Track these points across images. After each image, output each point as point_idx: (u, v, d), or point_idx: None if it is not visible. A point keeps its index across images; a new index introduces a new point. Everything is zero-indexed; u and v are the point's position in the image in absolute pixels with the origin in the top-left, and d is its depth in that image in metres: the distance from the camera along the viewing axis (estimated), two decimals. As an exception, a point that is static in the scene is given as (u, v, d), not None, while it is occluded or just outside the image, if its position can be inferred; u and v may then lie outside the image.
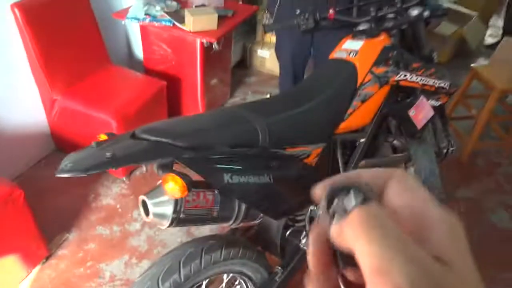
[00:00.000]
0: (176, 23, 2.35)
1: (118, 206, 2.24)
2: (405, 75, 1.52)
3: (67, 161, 0.96)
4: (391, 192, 0.29)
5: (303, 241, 1.46)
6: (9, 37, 2.06)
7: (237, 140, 1.09)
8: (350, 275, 0.28)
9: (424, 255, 0.24)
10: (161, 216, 0.98)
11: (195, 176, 1.00)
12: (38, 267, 1.89)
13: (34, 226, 1.79)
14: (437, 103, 1.71)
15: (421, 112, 1.70)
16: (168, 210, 0.97)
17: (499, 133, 2.82)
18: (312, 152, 1.34)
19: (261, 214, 1.19)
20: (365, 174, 0.31)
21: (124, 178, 2.38)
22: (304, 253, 1.53)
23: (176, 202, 0.98)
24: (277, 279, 1.44)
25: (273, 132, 1.16)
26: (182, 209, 0.98)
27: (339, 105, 1.42)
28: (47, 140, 2.49)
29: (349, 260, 0.26)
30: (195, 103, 2.70)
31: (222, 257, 1.24)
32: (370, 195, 0.27)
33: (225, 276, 1.43)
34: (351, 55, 1.49)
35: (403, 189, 0.29)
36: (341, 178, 0.30)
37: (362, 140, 1.56)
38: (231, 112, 1.21)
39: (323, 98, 1.38)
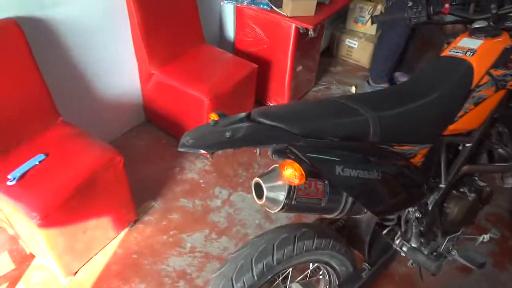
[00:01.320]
0: (274, 7, 2.35)
1: (201, 181, 2.32)
2: None
3: (188, 136, 1.00)
4: None
5: (397, 241, 1.42)
6: (117, 13, 2.17)
7: (348, 132, 1.07)
8: None
9: None
10: (274, 200, 0.99)
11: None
12: (126, 230, 2.02)
13: (128, 191, 1.91)
14: (556, 114, 1.56)
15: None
16: (282, 195, 0.98)
17: None
18: (419, 152, 1.29)
19: (365, 210, 1.16)
20: None
21: (208, 156, 2.45)
22: (393, 253, 1.49)
23: (290, 188, 0.98)
24: (364, 276, 1.42)
25: (384, 127, 1.12)
26: (294, 196, 0.99)
27: (451, 105, 1.35)
28: (139, 111, 2.62)
29: None
30: (281, 88, 2.70)
31: (314, 246, 1.24)
32: None
33: (311, 264, 1.43)
34: (468, 54, 1.39)
35: None
36: None
37: (468, 144, 1.48)
38: (339, 102, 1.18)
39: (435, 97, 1.30)
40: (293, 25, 2.37)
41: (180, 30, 2.41)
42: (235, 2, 2.41)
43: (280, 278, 1.37)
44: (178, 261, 1.91)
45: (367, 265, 1.42)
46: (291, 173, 0.93)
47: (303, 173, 0.92)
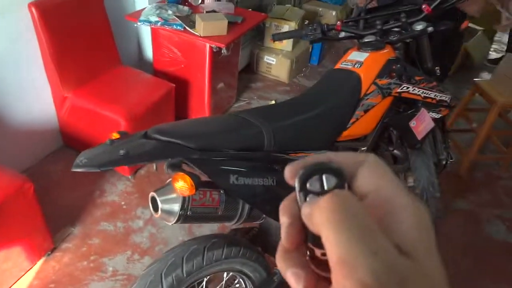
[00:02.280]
0: (187, 28, 2.42)
1: (122, 203, 2.29)
2: (407, 87, 1.57)
3: (82, 157, 1.02)
4: (361, 176, 0.29)
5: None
6: (25, 35, 2.12)
7: (243, 144, 1.15)
8: (318, 253, 0.27)
9: (391, 248, 0.24)
10: (169, 212, 1.04)
11: (202, 177, 1.06)
12: (42, 259, 1.94)
13: (41, 219, 1.84)
14: (437, 116, 1.76)
15: (422, 123, 1.75)
16: (176, 207, 1.02)
17: (499, 147, 2.87)
18: None
19: (264, 215, 1.24)
20: (337, 157, 0.30)
21: (130, 177, 2.43)
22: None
23: (184, 199, 1.03)
24: (276, 280, 1.49)
25: (278, 137, 1.21)
26: (189, 207, 1.03)
27: (342, 114, 1.48)
28: (56, 135, 2.55)
29: (318, 240, 0.25)
30: (201, 105, 2.76)
31: (223, 255, 1.29)
32: (341, 180, 0.27)
33: (225, 274, 1.48)
34: (356, 66, 1.54)
35: (374, 174, 0.28)
36: (313, 160, 0.29)
37: (363, 148, 1.62)
38: (238, 117, 1.26)
39: (327, 107, 1.43)
40: (207, 45, 2.45)
41: (93, 52, 2.39)
42: (149, 24, 2.45)
43: (197, 291, 1.40)
44: (99, 286, 1.87)
45: (278, 269, 1.50)
46: (182, 185, 0.99)
47: (193, 184, 0.98)
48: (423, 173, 1.92)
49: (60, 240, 2.03)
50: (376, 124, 1.60)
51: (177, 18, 2.43)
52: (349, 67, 1.56)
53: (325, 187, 0.27)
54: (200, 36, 2.39)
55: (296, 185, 0.28)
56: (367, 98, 1.51)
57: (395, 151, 1.83)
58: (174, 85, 2.47)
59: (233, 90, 3.13)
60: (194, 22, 2.44)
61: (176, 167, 1.07)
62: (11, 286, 1.80)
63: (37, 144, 2.46)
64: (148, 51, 2.94)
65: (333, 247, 0.23)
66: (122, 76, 2.52)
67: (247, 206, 1.16)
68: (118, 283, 1.89)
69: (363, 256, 0.22)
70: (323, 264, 0.26)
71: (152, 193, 1.05)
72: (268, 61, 3.62)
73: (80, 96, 2.29)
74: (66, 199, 2.26)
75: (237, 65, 3.05)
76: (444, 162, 2.04)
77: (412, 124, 1.72)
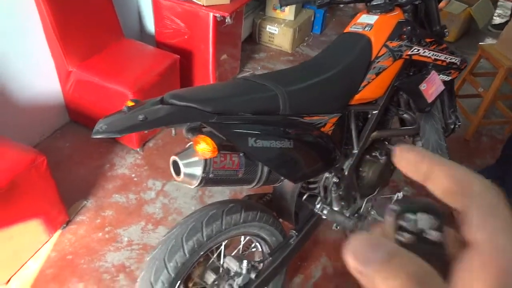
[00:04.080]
0: (190, -3, 2.38)
1: (133, 175, 2.31)
2: (417, 50, 1.56)
3: (101, 123, 1.02)
4: (471, 218, 0.23)
5: (317, 206, 1.54)
6: (26, 9, 2.09)
7: (259, 107, 1.15)
8: None
9: None
10: (191, 175, 1.05)
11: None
12: (58, 232, 1.97)
13: (55, 192, 1.86)
14: (447, 78, 1.76)
15: (432, 86, 1.75)
16: (198, 170, 1.03)
17: (504, 112, 2.87)
18: (328, 122, 1.40)
19: (281, 178, 1.25)
20: (442, 182, 0.25)
21: (139, 149, 2.44)
22: (317, 219, 1.61)
23: (206, 162, 1.04)
24: (292, 242, 1.52)
25: (293, 101, 1.21)
26: (211, 169, 1.04)
27: (354, 77, 1.47)
28: (62, 111, 2.54)
29: None
30: (206, 77, 2.74)
31: (241, 219, 1.32)
32: (439, 220, 0.25)
33: (242, 238, 1.51)
34: (366, 29, 1.53)
35: (488, 216, 0.23)
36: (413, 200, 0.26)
37: (375, 112, 1.62)
38: (252, 81, 1.26)
39: (339, 70, 1.42)
40: (211, 14, 2.42)
41: (95, 25, 2.36)
42: (150, -6, 2.41)
43: (215, 255, 1.43)
44: (116, 256, 1.91)
45: (294, 232, 1.53)
46: (204, 147, 0.99)
47: (216, 146, 0.99)
48: (431, 136, 1.93)
49: (74, 213, 2.06)
50: (387, 88, 1.60)
51: (179, -12, 2.39)
52: (359, 30, 1.54)
53: (419, 226, 0.25)
54: (204, 6, 2.36)
55: (390, 218, 0.26)
56: (378, 61, 1.50)
57: (404, 115, 1.83)
58: (178, 56, 2.45)
59: (236, 61, 3.10)
60: (197, -9, 2.40)
61: (196, 131, 1.08)
62: (29, 258, 1.84)
63: (44, 120, 2.46)
64: (150, 23, 2.90)
65: None
66: (126, 49, 2.49)
67: (266, 169, 1.17)
68: (134, 253, 1.93)
69: None
70: None
71: (173, 157, 1.05)
72: (270, 31, 3.57)
73: (85, 70, 2.27)
74: (77, 173, 2.28)
75: (240, 35, 3.02)
76: (451, 126, 2.04)
77: (423, 87, 1.72)
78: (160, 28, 2.70)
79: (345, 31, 1.61)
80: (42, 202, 1.82)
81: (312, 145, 1.33)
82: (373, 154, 1.70)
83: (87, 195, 2.17)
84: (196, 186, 1.07)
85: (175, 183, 2.29)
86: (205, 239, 1.24)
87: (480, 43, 2.89)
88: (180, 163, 1.04)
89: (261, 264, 1.45)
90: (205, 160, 1.04)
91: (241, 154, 1.11)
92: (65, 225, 2.00)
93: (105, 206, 2.13)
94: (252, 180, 1.18)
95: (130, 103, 1.11)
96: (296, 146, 1.22)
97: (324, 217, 1.55)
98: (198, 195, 2.23)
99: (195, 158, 1.04)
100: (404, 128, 1.83)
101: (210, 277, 1.42)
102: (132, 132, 1.02)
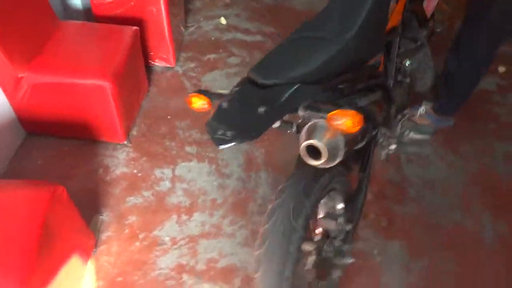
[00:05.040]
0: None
1: (135, 171, 2.08)
2: None
3: (219, 129, 0.89)
4: None
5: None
6: None
7: (337, 67, 1.10)
8: None
9: None
10: (334, 155, 0.96)
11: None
12: (92, 259, 1.75)
13: (80, 218, 1.62)
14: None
15: (430, 2, 1.80)
16: (341, 145, 0.96)
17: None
18: (381, 60, 1.38)
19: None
20: None
21: (126, 142, 2.19)
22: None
23: (347, 137, 0.97)
24: (363, 185, 1.53)
25: (356, 49, 1.17)
26: (349, 143, 0.98)
27: (383, 9, 1.44)
28: (14, 126, 2.12)
29: None
30: (164, 45, 2.46)
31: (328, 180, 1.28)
32: None
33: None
34: None
35: None
36: None
37: (397, 38, 1.62)
38: (313, 38, 1.17)
39: (372, 5, 1.38)
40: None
41: (29, 16, 1.94)
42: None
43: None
44: (167, 259, 1.76)
45: (362, 174, 1.54)
46: (347, 121, 0.91)
47: (362, 116, 0.92)
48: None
49: (96, 233, 1.83)
50: (402, 14, 1.60)
51: None
52: None
53: None
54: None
55: None
56: None
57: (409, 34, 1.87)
58: (137, 27, 2.15)
59: (182, 16, 2.82)
60: None
61: (313, 108, 0.98)
62: (75, 297, 1.63)
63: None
64: (75, -3, 2.47)
65: None
66: (71, 35, 2.11)
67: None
68: (184, 248, 1.80)
69: None
70: None
71: (308, 142, 0.95)
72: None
73: (40, 72, 1.89)
74: (71, 189, 1.95)
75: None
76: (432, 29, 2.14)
77: (424, 4, 1.76)
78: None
79: None
80: (73, 233, 1.58)
81: (383, 86, 1.31)
82: (399, 78, 1.74)
83: (97, 208, 1.92)
84: (334, 164, 0.99)
85: (183, 164, 2.12)
86: (309, 211, 1.19)
87: None
88: (320, 145, 0.94)
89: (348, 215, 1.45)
90: (346, 135, 0.97)
91: None
92: (95, 249, 1.77)
93: (125, 214, 1.91)
94: (360, 141, 1.14)
95: (197, 100, 1.00)
96: (380, 92, 1.20)
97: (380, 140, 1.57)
98: (213, 169, 2.11)
99: (335, 135, 0.95)
100: (413, 46, 1.87)
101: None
102: (268, 129, 0.90)
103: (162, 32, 2.42)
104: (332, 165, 1.00)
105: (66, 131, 2.14)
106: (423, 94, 2.09)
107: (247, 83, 1.00)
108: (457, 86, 2.03)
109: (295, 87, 0.95)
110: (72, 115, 2.05)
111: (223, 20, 3.02)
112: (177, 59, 2.65)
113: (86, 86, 1.88)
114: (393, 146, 1.59)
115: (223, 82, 2.53)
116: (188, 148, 2.20)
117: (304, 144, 0.96)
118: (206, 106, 1.00)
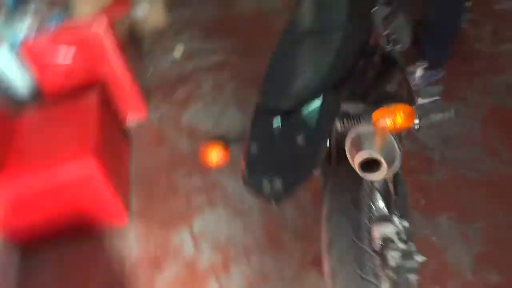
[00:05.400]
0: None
1: (151, 248, 1.85)
2: None
3: (263, 182, 0.75)
4: None
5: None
6: None
7: (348, 57, 1.01)
8: None
9: None
10: (393, 161, 0.83)
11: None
12: None
13: None
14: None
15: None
16: (396, 148, 0.83)
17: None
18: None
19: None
20: None
21: (129, 220, 1.97)
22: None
23: (398, 137, 0.85)
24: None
25: (356, 28, 1.11)
26: (401, 140, 0.87)
27: None
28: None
29: None
30: (129, 97, 2.30)
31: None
32: None
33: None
34: None
35: None
36: None
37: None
38: (310, 35, 1.09)
39: None
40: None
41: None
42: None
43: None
44: None
45: None
46: (398, 116, 0.79)
47: (413, 109, 0.80)
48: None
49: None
50: None
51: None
52: None
53: None
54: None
55: None
56: None
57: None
58: (101, 84, 2.00)
59: (139, 68, 2.63)
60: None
61: (350, 117, 0.88)
62: None
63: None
64: (18, 81, 2.22)
65: None
66: (29, 122, 1.92)
67: None
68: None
69: None
70: None
71: (361, 154, 0.80)
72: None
73: (17, 178, 1.69)
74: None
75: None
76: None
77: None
78: (43, 78, 2.09)
79: None
80: None
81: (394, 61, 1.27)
82: None
83: None
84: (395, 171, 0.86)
85: (198, 219, 1.92)
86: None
87: None
88: (377, 155, 0.79)
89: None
90: (397, 135, 0.84)
91: None
92: None
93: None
94: None
95: (216, 153, 0.87)
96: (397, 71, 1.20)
97: None
98: (230, 211, 1.90)
99: (386, 138, 0.82)
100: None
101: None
102: (320, 155, 0.77)
103: (124, 88, 2.24)
104: (393, 173, 0.86)
105: (63, 234, 1.91)
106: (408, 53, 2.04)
107: (262, 114, 0.87)
108: (440, 32, 2.01)
109: (319, 101, 0.82)
110: (64, 214, 1.84)
111: (176, 53, 2.85)
112: (148, 109, 2.47)
113: (70, 170, 1.68)
114: (416, 120, 1.49)
115: (207, 115, 2.36)
116: (195, 200, 2.01)
117: (357, 159, 0.81)
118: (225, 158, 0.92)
